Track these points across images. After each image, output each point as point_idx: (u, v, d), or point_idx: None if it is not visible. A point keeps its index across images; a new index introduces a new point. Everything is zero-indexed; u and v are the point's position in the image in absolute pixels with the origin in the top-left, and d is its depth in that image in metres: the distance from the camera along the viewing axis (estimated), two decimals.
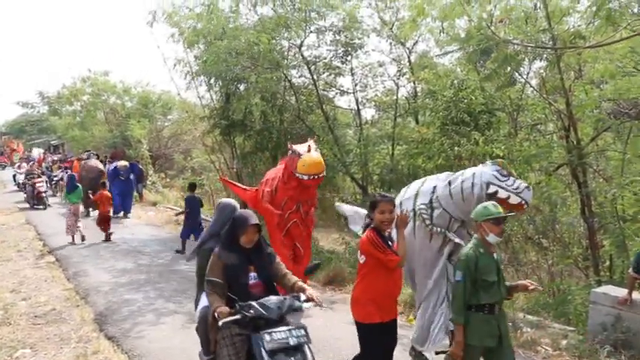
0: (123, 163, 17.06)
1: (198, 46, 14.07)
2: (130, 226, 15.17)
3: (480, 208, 4.33)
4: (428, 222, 5.44)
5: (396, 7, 12.28)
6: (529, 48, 9.17)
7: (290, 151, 7.23)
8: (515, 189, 5.02)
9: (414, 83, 12.85)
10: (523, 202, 5.02)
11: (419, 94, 12.96)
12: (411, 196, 5.70)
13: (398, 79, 12.99)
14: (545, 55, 10.43)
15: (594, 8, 7.34)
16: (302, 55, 13.08)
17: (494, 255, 4.32)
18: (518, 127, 11.12)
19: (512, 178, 5.10)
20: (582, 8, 8.87)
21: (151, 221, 16.39)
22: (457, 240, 5.35)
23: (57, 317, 7.19)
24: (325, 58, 13.32)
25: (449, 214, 5.38)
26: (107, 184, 14.85)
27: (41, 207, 18.47)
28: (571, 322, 7.45)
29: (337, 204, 7.89)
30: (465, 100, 10.09)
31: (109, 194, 13.49)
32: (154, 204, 19.62)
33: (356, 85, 13.35)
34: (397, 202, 5.59)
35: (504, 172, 5.12)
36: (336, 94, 14.26)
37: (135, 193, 19.87)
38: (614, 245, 8.91)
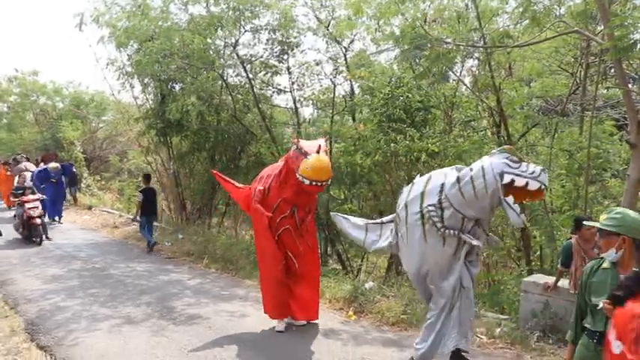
0: (54, 164, 16.23)
1: (131, 45, 13.69)
2: (64, 230, 14.65)
3: None
4: (439, 225, 4.92)
5: (331, 5, 12.29)
6: (461, 46, 9.41)
7: (294, 147, 6.21)
8: (532, 173, 4.56)
9: (351, 81, 12.94)
10: (542, 186, 4.57)
11: (356, 92, 13.07)
12: (416, 196, 5.12)
13: (335, 77, 13.04)
14: (476, 54, 10.73)
15: (521, 9, 7.62)
16: (237, 54, 12.96)
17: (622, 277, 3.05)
18: (452, 124, 11.39)
19: (524, 164, 4.66)
20: (510, 9, 9.17)
21: (86, 225, 15.92)
22: (475, 242, 4.92)
23: None
24: (261, 57, 13.20)
25: (461, 214, 4.88)
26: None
27: (37, 240, 12.53)
28: (505, 310, 7.75)
29: (334, 214, 6.63)
30: (402, 98, 10.23)
31: None
32: (89, 207, 19.01)
33: (293, 83, 13.27)
34: (401, 204, 5.25)
35: (515, 158, 4.68)
36: (274, 92, 14.14)
37: (69, 197, 19.21)
38: (544, 236, 9.33)
